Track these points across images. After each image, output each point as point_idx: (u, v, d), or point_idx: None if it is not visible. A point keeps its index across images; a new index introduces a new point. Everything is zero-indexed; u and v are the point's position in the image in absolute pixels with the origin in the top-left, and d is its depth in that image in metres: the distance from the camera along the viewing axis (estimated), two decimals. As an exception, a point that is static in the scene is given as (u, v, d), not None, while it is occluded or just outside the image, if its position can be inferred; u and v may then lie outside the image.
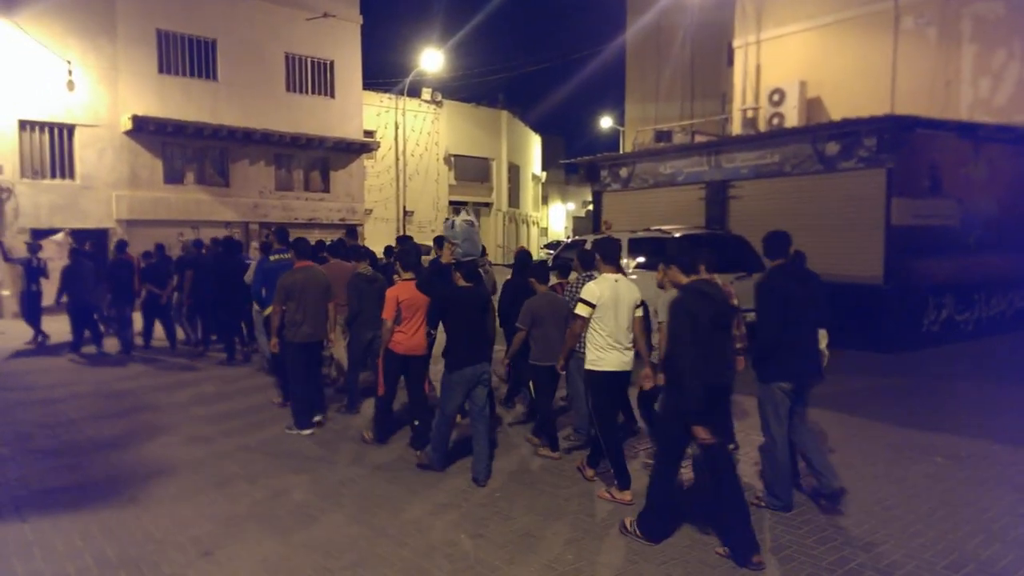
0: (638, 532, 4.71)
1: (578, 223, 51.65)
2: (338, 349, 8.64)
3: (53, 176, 18.44)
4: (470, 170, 35.35)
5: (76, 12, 18.39)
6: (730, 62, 21.62)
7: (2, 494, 5.60)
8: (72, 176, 18.68)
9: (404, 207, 30.94)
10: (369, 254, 8.68)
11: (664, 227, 12.14)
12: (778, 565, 4.38)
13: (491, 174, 36.70)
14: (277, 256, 8.58)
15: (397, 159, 30.96)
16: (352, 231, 10.92)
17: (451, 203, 34.05)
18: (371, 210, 28.40)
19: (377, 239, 24.22)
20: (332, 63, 23.77)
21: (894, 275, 11.70)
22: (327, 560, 4.46)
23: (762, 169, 13.69)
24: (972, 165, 12.86)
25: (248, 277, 9.78)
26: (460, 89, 36.34)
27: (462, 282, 6.04)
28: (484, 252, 8.31)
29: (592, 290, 5.36)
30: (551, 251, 24.32)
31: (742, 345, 6.38)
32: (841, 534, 4.79)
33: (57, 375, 10.31)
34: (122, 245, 12.63)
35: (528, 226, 43.02)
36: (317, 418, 7.52)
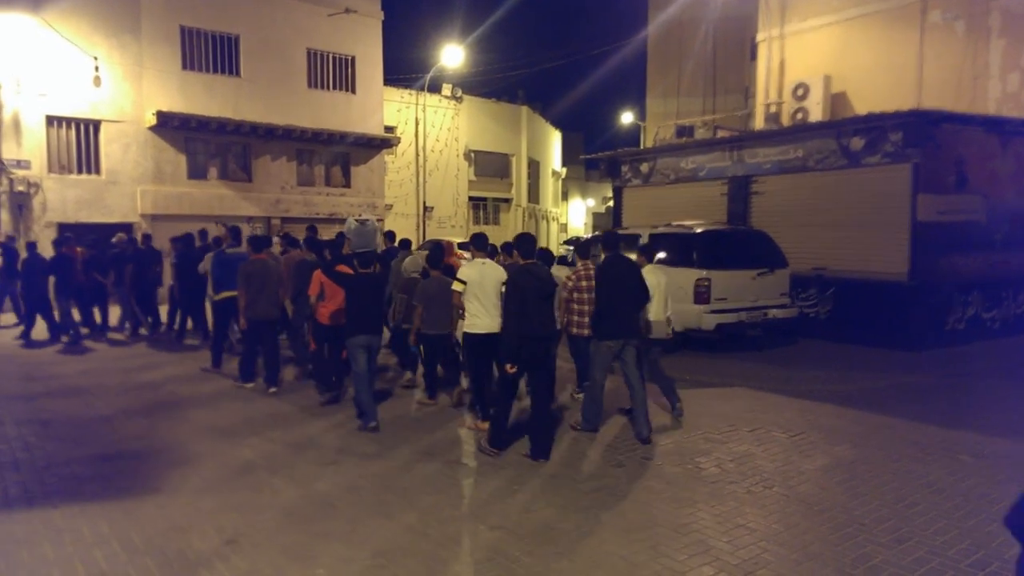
0: (490, 448, 6.32)
1: (598, 219, 51.47)
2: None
3: (79, 171, 18.69)
4: (490, 166, 35.31)
5: (102, 9, 18.62)
6: (753, 56, 21.43)
7: (34, 481, 5.70)
8: (98, 171, 18.93)
9: (424, 202, 31.00)
10: (319, 246, 10.35)
11: (685, 222, 12.08)
12: (800, 560, 4.36)
13: (511, 170, 36.65)
14: (232, 249, 9.95)
15: (417, 155, 31.02)
16: (313, 227, 12.37)
17: (471, 199, 34.05)
18: (391, 205, 28.49)
19: (398, 234, 24.27)
20: (353, 59, 23.86)
21: (919, 272, 11.56)
22: (349, 550, 4.50)
23: (785, 164, 13.58)
24: (999, 160, 12.66)
25: (202, 268, 11.02)
26: (480, 85, 36.13)
27: (359, 268, 7.47)
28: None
29: (464, 271, 6.98)
30: (571, 247, 24.27)
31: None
32: (864, 530, 4.76)
33: (73, 364, 10.48)
34: (64, 240, 13.15)
35: (548, 222, 42.93)
36: (273, 390, 8.79)
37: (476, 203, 34.67)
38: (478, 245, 7.29)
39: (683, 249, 11.16)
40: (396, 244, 11.27)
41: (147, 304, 13.24)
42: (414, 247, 12.47)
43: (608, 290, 6.85)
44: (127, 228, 18.64)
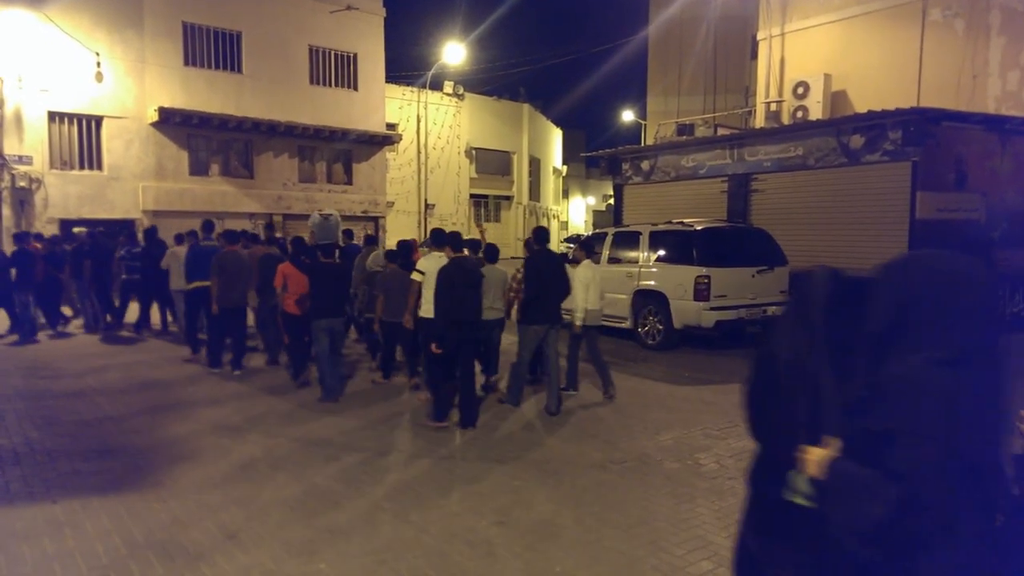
0: (434, 422, 7.01)
1: (598, 217, 51.47)
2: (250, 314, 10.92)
3: (81, 167, 18.74)
4: (491, 163, 35.33)
5: (104, 4, 18.66)
6: (754, 55, 21.45)
7: (34, 476, 5.73)
8: (100, 167, 18.98)
9: (425, 200, 31.05)
10: (278, 241, 11.45)
11: (685, 220, 12.11)
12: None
13: (512, 167, 36.67)
14: (206, 242, 10.69)
15: (419, 152, 31.05)
16: (270, 225, 13.40)
17: (472, 196, 34.07)
18: (393, 202, 28.51)
19: (399, 231, 24.34)
20: (355, 56, 23.88)
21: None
22: (349, 545, 4.53)
23: (785, 162, 13.60)
24: (998, 159, 12.68)
25: (164, 263, 11.60)
26: (482, 82, 36.13)
27: (322, 258, 8.37)
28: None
29: (423, 263, 7.66)
30: (571, 244, 24.29)
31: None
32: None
33: (79, 360, 10.51)
34: (22, 236, 13.27)
35: (548, 220, 42.93)
36: (238, 372, 9.51)
37: (477, 200, 34.70)
38: (435, 241, 7.95)
39: (683, 246, 11.20)
40: (355, 242, 12.28)
41: (106, 298, 13.34)
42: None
43: (535, 281, 7.64)
44: (129, 224, 18.70)
